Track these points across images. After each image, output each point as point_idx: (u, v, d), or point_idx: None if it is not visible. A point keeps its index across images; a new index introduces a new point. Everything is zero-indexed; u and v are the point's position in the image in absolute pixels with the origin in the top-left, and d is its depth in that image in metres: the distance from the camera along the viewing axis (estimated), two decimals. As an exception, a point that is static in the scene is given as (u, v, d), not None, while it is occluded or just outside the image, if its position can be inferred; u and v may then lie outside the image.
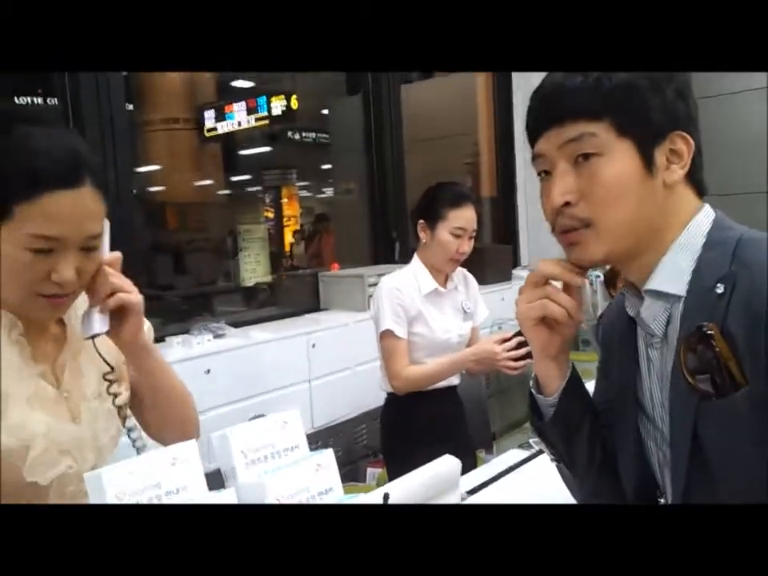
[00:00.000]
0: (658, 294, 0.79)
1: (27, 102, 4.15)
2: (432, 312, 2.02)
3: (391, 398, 2.09)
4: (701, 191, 0.81)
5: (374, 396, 2.61)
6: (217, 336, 2.64)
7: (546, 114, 0.79)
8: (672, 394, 0.79)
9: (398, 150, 3.69)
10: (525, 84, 4.14)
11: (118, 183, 2.45)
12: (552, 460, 0.94)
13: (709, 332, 0.72)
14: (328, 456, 0.77)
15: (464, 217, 1.96)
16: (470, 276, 2.18)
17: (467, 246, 1.98)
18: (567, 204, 0.77)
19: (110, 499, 0.67)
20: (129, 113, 2.88)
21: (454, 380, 2.10)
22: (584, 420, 0.89)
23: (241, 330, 2.78)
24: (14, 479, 0.89)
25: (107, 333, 0.93)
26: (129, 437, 0.97)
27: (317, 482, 0.75)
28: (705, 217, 0.79)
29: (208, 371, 2.41)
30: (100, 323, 0.91)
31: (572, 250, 0.80)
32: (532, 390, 0.91)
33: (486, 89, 4.40)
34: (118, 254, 0.95)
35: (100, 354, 0.94)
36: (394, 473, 2.09)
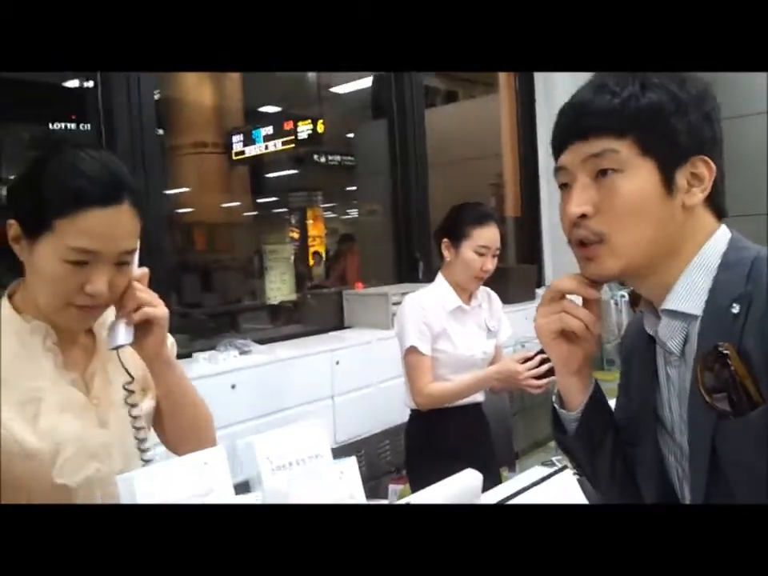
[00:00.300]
0: (675, 314, 0.80)
1: (61, 128, 4.27)
2: (456, 329, 2.03)
3: (415, 414, 2.10)
4: (720, 214, 0.82)
5: (397, 413, 2.62)
6: (242, 352, 2.68)
7: (571, 128, 0.80)
8: (690, 412, 0.79)
9: (422, 172, 3.73)
10: (547, 107, 4.17)
11: (149, 205, 2.51)
12: (574, 474, 0.95)
13: (725, 352, 0.72)
14: (351, 464, 0.79)
15: (487, 235, 1.99)
16: (494, 294, 2.20)
17: (491, 264, 2.00)
18: (584, 216, 0.78)
19: (140, 502, 0.69)
20: (159, 137, 2.96)
21: (479, 397, 2.10)
22: (606, 435, 0.90)
23: (266, 347, 2.81)
24: (44, 481, 0.93)
25: (132, 344, 0.97)
26: (139, 448, 0.99)
27: (340, 489, 0.77)
28: (722, 237, 0.80)
29: (233, 386, 2.44)
30: (125, 335, 0.96)
31: (587, 264, 0.81)
32: (555, 405, 0.92)
33: (509, 111, 4.43)
34: (145, 270, 0.99)
35: (122, 364, 0.98)
36: (417, 489, 2.08)
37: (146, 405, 1.08)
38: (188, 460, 0.73)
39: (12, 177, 0.98)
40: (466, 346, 2.04)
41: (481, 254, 1.98)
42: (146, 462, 0.97)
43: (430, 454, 2.01)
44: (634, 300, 0.91)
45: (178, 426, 1.08)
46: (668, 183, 0.77)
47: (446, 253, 2.04)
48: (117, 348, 0.97)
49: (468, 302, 2.07)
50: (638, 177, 0.77)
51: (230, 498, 0.73)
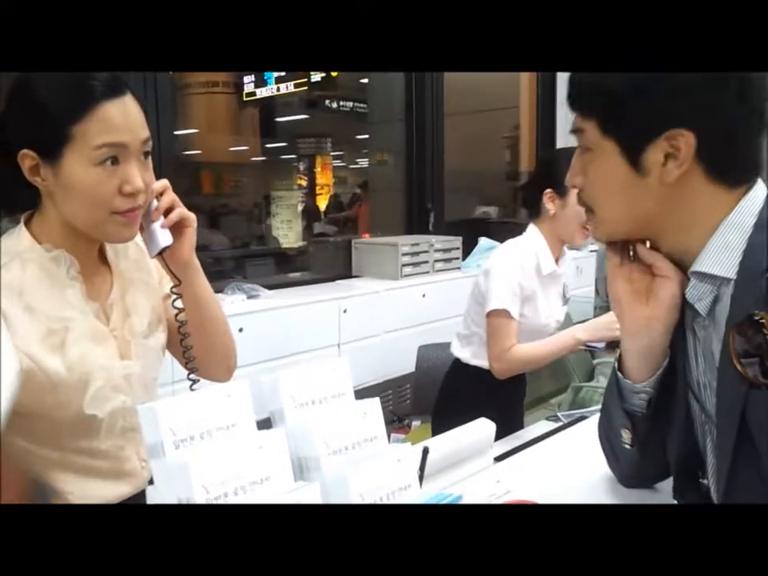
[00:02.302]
0: (705, 276, 0.78)
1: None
2: (542, 294, 1.90)
3: (459, 365, 2.01)
4: (735, 180, 0.78)
5: (401, 363, 2.63)
6: (250, 297, 2.68)
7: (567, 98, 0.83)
8: (720, 379, 0.78)
9: (439, 121, 3.66)
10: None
11: (160, 146, 2.46)
12: (626, 444, 0.93)
13: (760, 321, 0.71)
14: (375, 404, 0.78)
15: None
16: (570, 255, 2.03)
17: None
18: (576, 187, 0.85)
19: (164, 432, 0.68)
20: (170, 75, 2.89)
21: None
22: (673, 411, 0.88)
23: (273, 293, 2.81)
24: (72, 412, 0.93)
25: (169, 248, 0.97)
26: None
27: (363, 429, 0.76)
28: (759, 195, 0.78)
29: (240, 330, 2.44)
30: (165, 237, 0.97)
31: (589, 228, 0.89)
32: (618, 374, 0.90)
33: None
34: (165, 180, 0.99)
35: (168, 267, 0.99)
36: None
37: (159, 337, 1.06)
38: (211, 392, 0.72)
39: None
40: (545, 314, 1.91)
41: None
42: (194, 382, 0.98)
43: (461, 405, 1.84)
44: None
45: (207, 340, 1.06)
46: (634, 163, 0.77)
47: (549, 205, 1.84)
48: (160, 253, 0.98)
49: (558, 264, 1.92)
50: (602, 157, 0.79)
51: (253, 432, 0.72)
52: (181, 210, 0.98)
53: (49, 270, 0.93)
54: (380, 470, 0.72)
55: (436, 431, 2.05)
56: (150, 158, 0.94)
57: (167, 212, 0.97)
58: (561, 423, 1.82)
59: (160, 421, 0.69)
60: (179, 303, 1.00)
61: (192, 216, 1.00)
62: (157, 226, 0.96)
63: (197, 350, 1.07)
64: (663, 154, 0.75)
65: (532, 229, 1.91)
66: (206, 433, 0.70)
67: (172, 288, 1.00)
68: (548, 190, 1.84)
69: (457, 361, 2.01)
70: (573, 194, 1.76)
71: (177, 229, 0.99)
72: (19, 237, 0.94)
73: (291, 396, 0.76)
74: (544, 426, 1.80)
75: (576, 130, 0.82)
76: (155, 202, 0.97)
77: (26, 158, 0.90)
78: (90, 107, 0.86)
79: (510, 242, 1.95)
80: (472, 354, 1.97)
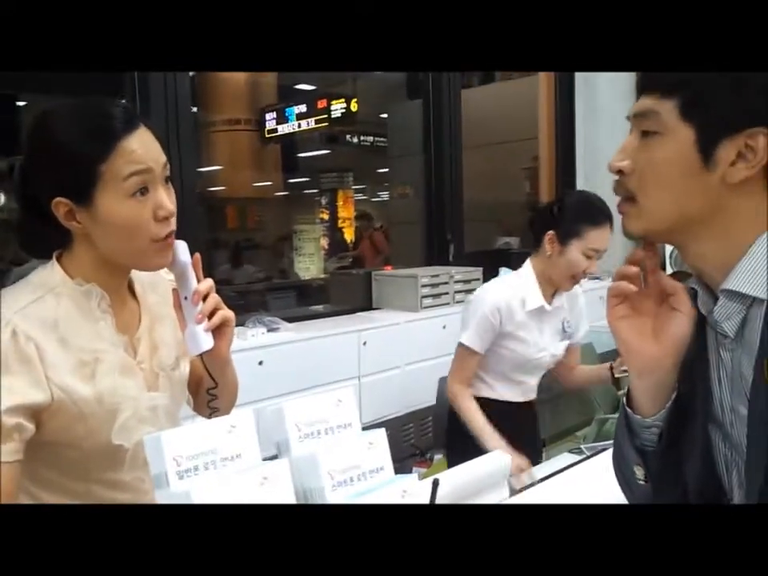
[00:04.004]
0: (735, 294, 0.75)
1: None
2: (530, 328, 1.90)
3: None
4: None
5: (422, 396, 2.61)
6: (271, 329, 2.69)
7: (636, 82, 0.79)
8: (752, 403, 0.74)
9: (457, 153, 3.69)
10: (586, 89, 4.08)
11: (182, 182, 2.50)
12: (642, 481, 0.87)
13: None
14: (380, 435, 0.77)
15: (602, 238, 1.78)
16: (579, 290, 2.00)
17: (594, 267, 1.82)
18: (621, 172, 0.78)
19: (168, 462, 0.68)
20: (193, 114, 2.96)
21: (531, 395, 2.03)
22: (683, 443, 0.84)
23: (294, 325, 2.82)
24: (100, 442, 0.94)
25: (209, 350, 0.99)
26: None
27: (368, 459, 0.75)
28: None
29: (261, 363, 2.45)
30: (207, 340, 0.98)
31: (622, 219, 0.81)
32: (627, 409, 0.85)
33: (547, 93, 4.35)
34: (211, 281, 1.02)
35: (207, 370, 1.02)
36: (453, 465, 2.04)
37: (185, 370, 1.09)
38: (216, 423, 0.72)
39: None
40: (536, 348, 1.91)
41: (588, 257, 1.79)
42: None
43: (470, 434, 1.90)
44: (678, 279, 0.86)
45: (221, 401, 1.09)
46: (705, 154, 0.72)
47: (547, 246, 1.83)
48: (201, 354, 1.00)
49: (550, 300, 1.91)
50: (672, 141, 0.74)
51: (258, 462, 0.72)
52: (223, 313, 1.00)
53: (81, 304, 0.95)
54: (351, 452, 0.73)
55: (450, 462, 2.04)
56: (170, 183, 0.97)
57: (211, 315, 0.99)
58: (583, 456, 1.78)
59: (165, 451, 0.69)
60: (215, 404, 1.03)
61: (232, 316, 1.01)
62: (200, 328, 0.98)
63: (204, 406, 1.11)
64: (737, 151, 0.72)
65: (527, 264, 1.92)
66: (210, 463, 0.70)
67: (209, 390, 1.03)
68: (550, 232, 1.83)
69: None
70: (573, 245, 1.79)
71: (217, 329, 1.00)
72: (52, 271, 0.97)
73: (296, 426, 0.76)
74: (566, 459, 1.76)
75: (640, 114, 0.77)
76: (200, 305, 0.98)
77: (60, 206, 0.92)
78: (113, 144, 0.89)
79: (500, 277, 1.98)
80: (475, 388, 1.97)
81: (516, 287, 1.89)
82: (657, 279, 0.80)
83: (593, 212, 1.79)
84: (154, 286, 1.07)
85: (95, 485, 0.98)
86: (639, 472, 0.87)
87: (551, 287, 1.90)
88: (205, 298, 0.99)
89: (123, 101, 1.00)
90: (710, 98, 0.72)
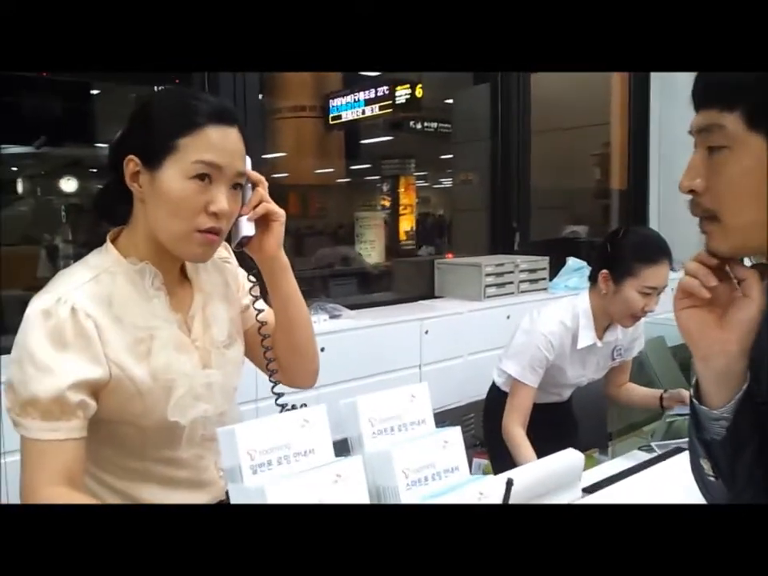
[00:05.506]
0: None
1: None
2: (574, 362, 1.88)
3: (495, 389, 2.06)
4: None
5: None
6: (333, 316, 2.69)
7: (692, 97, 0.76)
8: None
9: (525, 139, 3.60)
10: (660, 75, 3.90)
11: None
12: (710, 476, 0.86)
13: None
14: (456, 433, 0.75)
15: (659, 275, 1.70)
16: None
17: (654, 305, 1.73)
18: (694, 191, 0.75)
19: (242, 455, 0.68)
20: (260, 101, 2.99)
21: (566, 394, 2.03)
22: (753, 436, 0.80)
23: (356, 313, 2.82)
24: (157, 419, 0.95)
25: (252, 242, 1.03)
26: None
27: (443, 458, 0.73)
28: None
29: (322, 349, 2.44)
30: (248, 228, 1.01)
31: (706, 238, 0.77)
32: (693, 400, 0.83)
33: (621, 78, 4.19)
34: (261, 177, 1.04)
35: (250, 257, 1.05)
36: (496, 460, 2.04)
37: (239, 348, 1.08)
38: (289, 417, 0.71)
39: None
40: (576, 376, 1.91)
41: (646, 294, 1.70)
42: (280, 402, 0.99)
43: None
44: (761, 274, 0.82)
45: (290, 339, 1.10)
46: None
47: (602, 285, 1.77)
48: (242, 241, 1.02)
49: (602, 335, 1.87)
50: (744, 153, 0.71)
51: (330, 458, 0.71)
52: (267, 204, 1.02)
53: (135, 282, 0.97)
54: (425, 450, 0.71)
55: (494, 459, 2.05)
56: (240, 192, 0.99)
57: (256, 206, 1.02)
58: (655, 454, 1.72)
59: (239, 445, 0.68)
60: (259, 304, 1.05)
61: (280, 211, 1.04)
62: (243, 218, 1.01)
63: (281, 353, 1.10)
64: None
65: (584, 296, 1.86)
66: (284, 458, 0.69)
67: (250, 289, 1.07)
68: (604, 271, 1.77)
69: (493, 384, 2.06)
70: (627, 284, 1.71)
71: (264, 223, 1.03)
72: (107, 252, 1.00)
73: (370, 421, 0.74)
74: (636, 458, 1.71)
75: (703, 129, 0.74)
76: (249, 194, 1.02)
77: (131, 163, 0.96)
78: (195, 126, 0.93)
79: (559, 306, 1.89)
80: (505, 381, 1.99)
81: (570, 321, 1.84)
82: (730, 267, 0.78)
83: (648, 250, 1.71)
84: (205, 265, 1.08)
85: (152, 463, 0.99)
86: (706, 465, 0.84)
87: (607, 320, 1.85)
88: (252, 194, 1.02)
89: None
90: None
